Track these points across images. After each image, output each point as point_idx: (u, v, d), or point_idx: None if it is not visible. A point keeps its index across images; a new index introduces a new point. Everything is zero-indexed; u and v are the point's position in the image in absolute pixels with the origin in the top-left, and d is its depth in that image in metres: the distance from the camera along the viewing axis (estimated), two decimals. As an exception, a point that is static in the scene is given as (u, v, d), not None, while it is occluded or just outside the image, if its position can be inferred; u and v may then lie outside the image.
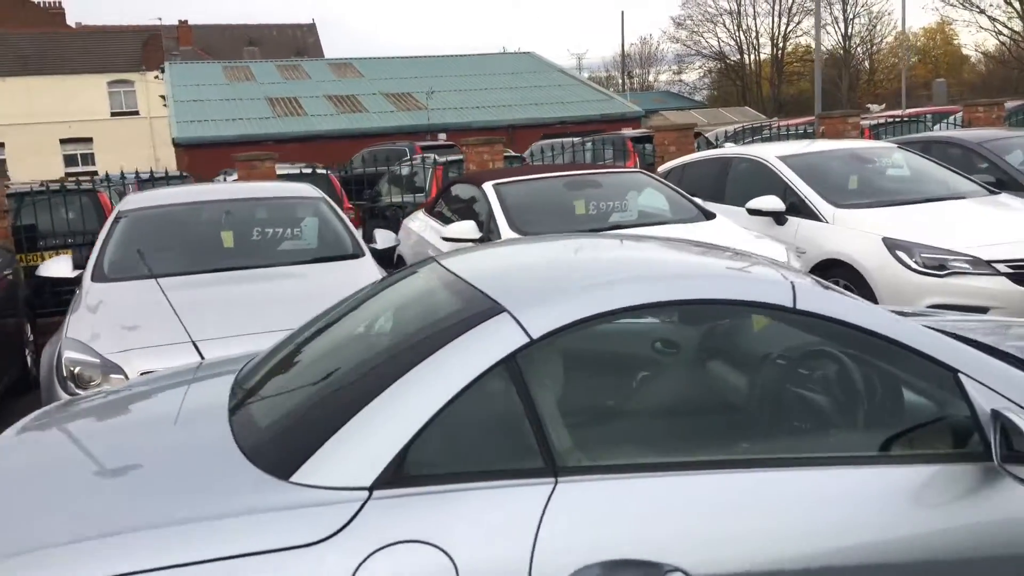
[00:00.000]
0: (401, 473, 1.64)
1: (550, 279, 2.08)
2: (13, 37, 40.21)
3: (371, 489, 1.61)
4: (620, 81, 54.93)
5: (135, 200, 5.35)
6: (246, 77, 29.94)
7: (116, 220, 5.10)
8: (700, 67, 51.51)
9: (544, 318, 1.80)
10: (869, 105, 30.18)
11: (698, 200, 6.36)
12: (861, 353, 1.94)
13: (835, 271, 5.74)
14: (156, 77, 36.30)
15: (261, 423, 1.88)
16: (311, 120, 26.34)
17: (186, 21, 52.43)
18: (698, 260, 2.31)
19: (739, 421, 1.97)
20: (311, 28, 63.98)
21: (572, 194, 6.01)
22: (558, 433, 1.73)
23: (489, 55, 34.13)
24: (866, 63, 48.40)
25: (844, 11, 45.46)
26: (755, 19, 50.32)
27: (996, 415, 1.76)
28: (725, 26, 48.89)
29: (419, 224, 7.14)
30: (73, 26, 48.82)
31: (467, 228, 5.64)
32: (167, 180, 11.37)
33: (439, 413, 1.66)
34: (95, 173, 31.89)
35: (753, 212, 6.39)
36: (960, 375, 1.86)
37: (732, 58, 49.58)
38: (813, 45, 48.19)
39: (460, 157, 10.00)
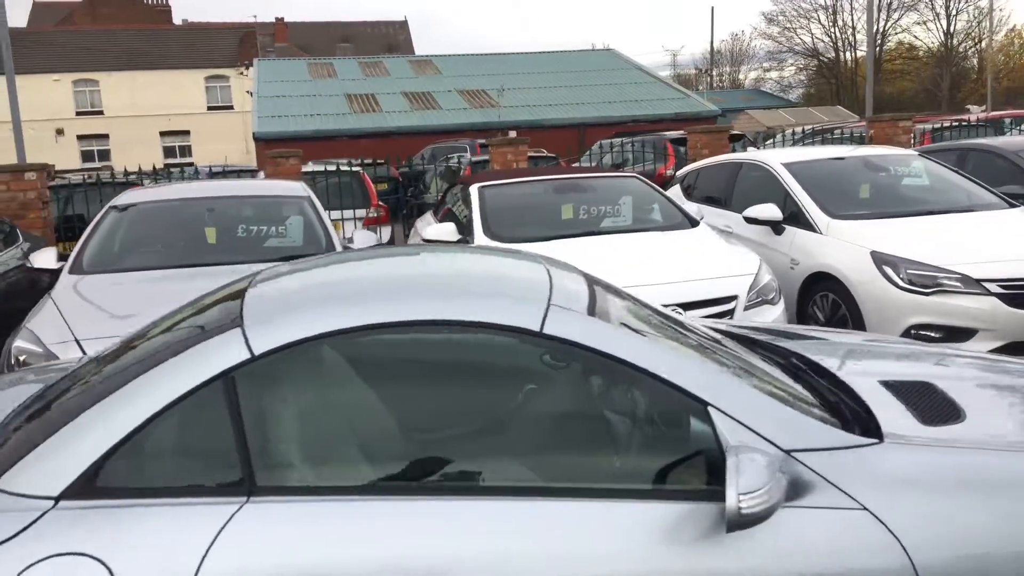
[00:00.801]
0: (92, 486, 1.67)
1: (303, 294, 2.08)
2: (121, 34, 42.53)
3: (57, 499, 1.66)
4: (708, 78, 53.83)
5: (128, 196, 5.61)
6: (328, 74, 30.77)
7: (105, 214, 5.37)
8: (792, 64, 49.93)
9: (269, 335, 1.81)
10: (969, 107, 28.62)
11: (692, 206, 6.22)
12: (613, 382, 1.88)
13: (825, 284, 5.52)
14: (241, 73, 37.74)
15: (3, 430, 1.96)
16: (385, 116, 26.87)
17: (282, 19, 54.21)
18: (471, 277, 2.18)
19: (466, 448, 1.92)
20: (403, 25, 65.16)
21: (559, 199, 5.97)
22: (262, 452, 1.74)
23: (568, 52, 34.02)
24: (973, 61, 45.92)
25: (947, 6, 43.20)
26: (852, 14, 48.31)
27: (733, 451, 1.69)
28: (820, 22, 47.22)
29: (422, 224, 7.22)
30: (179, 23, 51.30)
31: (446, 230, 5.68)
32: (238, 174, 11.83)
33: (143, 426, 1.70)
34: (191, 164, 33.55)
35: (750, 221, 6.20)
36: (710, 408, 1.77)
37: (827, 56, 47.85)
38: (913, 42, 46.11)
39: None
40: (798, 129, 16.04)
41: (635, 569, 1.66)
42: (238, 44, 41.95)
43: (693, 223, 5.73)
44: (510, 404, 2.02)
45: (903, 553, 1.70)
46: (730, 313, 4.59)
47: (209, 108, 42.40)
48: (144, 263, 4.97)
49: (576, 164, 14.10)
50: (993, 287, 4.82)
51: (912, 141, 10.53)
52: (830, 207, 5.85)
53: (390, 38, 63.85)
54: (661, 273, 4.71)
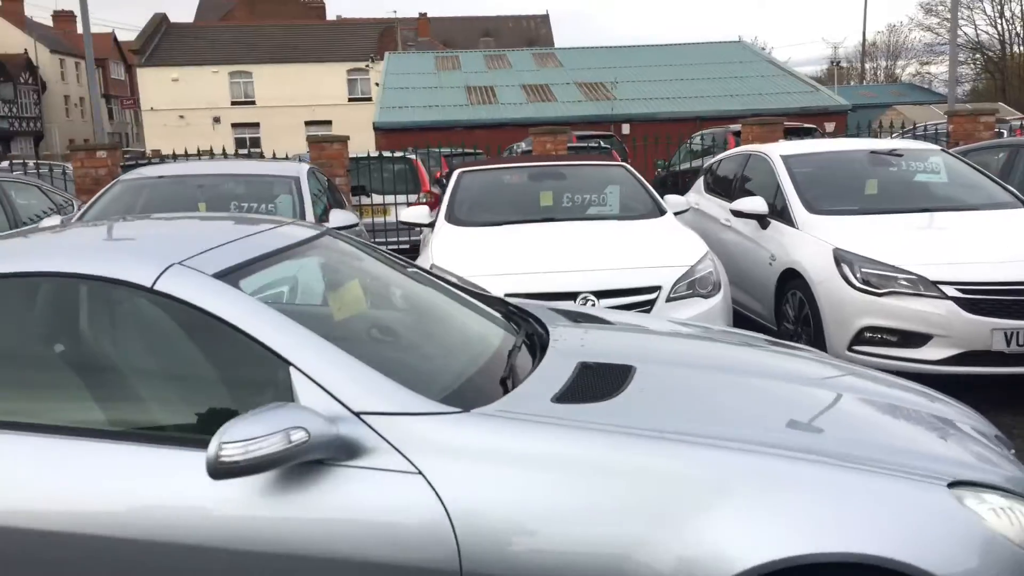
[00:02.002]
0: None
1: None
2: (273, 29, 45.38)
3: None
4: (859, 72, 50.96)
5: (134, 172, 6.17)
6: (453, 66, 31.58)
7: (110, 188, 5.93)
8: (945, 57, 46.32)
9: None
10: None
11: (677, 198, 6.12)
12: (214, 341, 1.96)
13: (794, 282, 5.30)
14: (366, 66, 39.34)
15: None
16: (501, 108, 27.31)
17: (425, 14, 55.91)
18: (143, 238, 2.33)
19: (52, 387, 2.05)
20: (544, 20, 65.62)
21: (537, 186, 6.02)
22: None
23: (695, 44, 33.25)
24: None
25: None
26: (1020, 4, 44.30)
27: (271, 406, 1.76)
28: (985, 13, 43.59)
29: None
30: (334, 19, 54.10)
31: (419, 213, 5.87)
32: (355, 161, 12.51)
33: None
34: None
35: (736, 214, 6.02)
36: (291, 367, 1.86)
37: (992, 50, 44.14)
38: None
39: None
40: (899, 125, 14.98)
41: (187, 513, 1.78)
42: (378, 39, 43.73)
43: (662, 212, 5.64)
44: (106, 351, 2.16)
45: (447, 519, 1.74)
46: (650, 304, 4.51)
47: (350, 99, 44.46)
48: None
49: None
50: (950, 290, 4.49)
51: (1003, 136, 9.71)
52: (814, 202, 5.58)
53: (531, 32, 64.48)
54: (588, 260, 4.70)
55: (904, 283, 4.59)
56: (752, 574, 1.69)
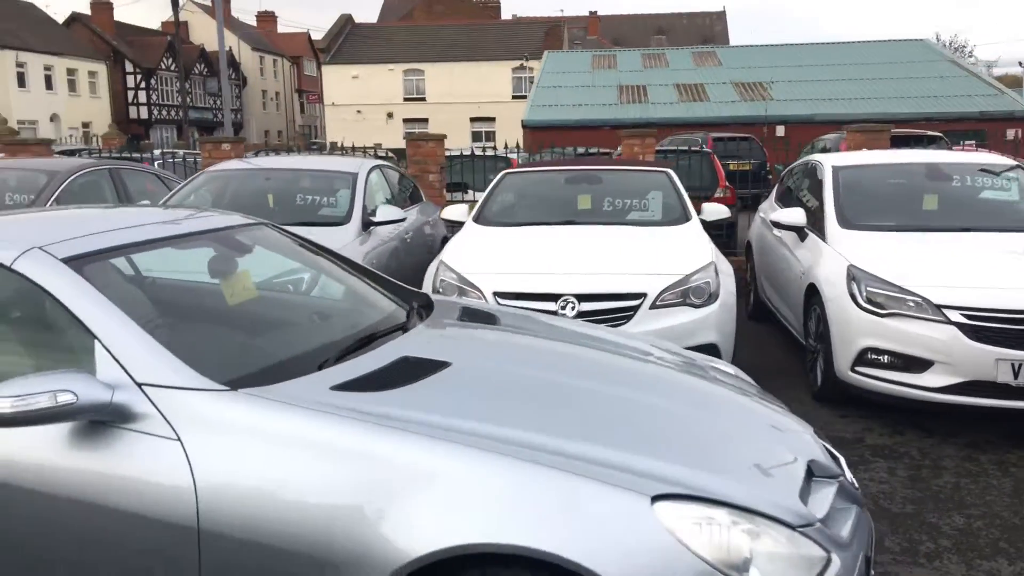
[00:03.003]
0: None
1: None
2: (446, 29, 47.19)
3: None
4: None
5: (219, 166, 6.85)
6: (609, 65, 31.59)
7: (195, 178, 6.64)
8: None
9: None
10: None
11: (716, 207, 6.03)
12: (50, 316, 2.27)
13: (815, 298, 5.11)
14: (521, 64, 39.95)
15: None
16: (650, 107, 27.06)
17: (595, 12, 56.02)
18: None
19: None
20: (720, 16, 63.88)
21: (574, 189, 6.12)
22: None
23: (872, 43, 31.29)
24: None
25: None
26: None
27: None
28: None
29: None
30: (510, 18, 55.46)
31: (459, 211, 6.13)
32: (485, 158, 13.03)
33: None
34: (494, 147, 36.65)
35: (775, 225, 5.85)
36: (96, 341, 2.18)
37: None
38: None
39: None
40: None
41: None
42: (544, 37, 44.35)
43: (687, 219, 5.59)
44: None
45: (192, 482, 2.00)
46: (633, 310, 4.55)
47: (513, 97, 45.44)
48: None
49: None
50: (954, 315, 4.21)
51: None
52: (851, 215, 5.34)
53: (705, 30, 62.99)
54: (579, 264, 4.79)
55: (908, 304, 4.35)
56: (428, 559, 1.84)
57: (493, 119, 45.21)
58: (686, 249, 5.03)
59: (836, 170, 5.81)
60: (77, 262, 2.33)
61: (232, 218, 3.12)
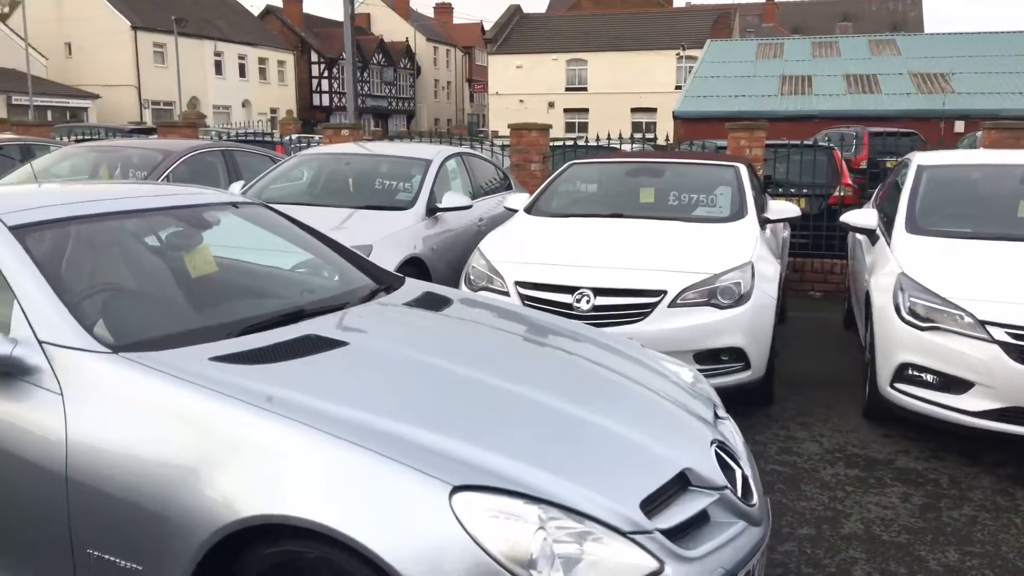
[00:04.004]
0: None
1: None
2: (611, 18, 46.84)
3: None
4: None
5: (310, 151, 7.24)
6: (775, 54, 30.18)
7: (288, 159, 7.05)
8: None
9: None
10: None
11: (785, 204, 5.71)
12: None
13: (870, 308, 4.73)
14: (678, 54, 38.82)
15: None
16: (813, 99, 25.64)
17: (772, -1, 53.63)
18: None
19: None
20: (914, 2, 59.25)
21: (635, 182, 5.97)
22: None
23: (1080, 30, 28.01)
24: None
25: None
26: None
27: None
28: None
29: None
30: (683, 6, 54.31)
31: (519, 200, 6.14)
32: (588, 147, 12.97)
33: None
34: (655, 138, 36.09)
35: (845, 226, 5.45)
36: (15, 302, 2.40)
37: None
38: None
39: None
40: None
41: None
42: (711, 26, 43.02)
43: (740, 217, 5.32)
44: None
45: (64, 431, 2.18)
46: (650, 307, 4.40)
47: (677, 87, 44.45)
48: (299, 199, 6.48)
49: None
50: (999, 333, 3.78)
51: None
52: (922, 219, 4.89)
53: (897, 15, 58.74)
54: (604, 258, 4.69)
55: (951, 319, 3.94)
56: (247, 523, 1.92)
57: (654, 110, 44.45)
58: (723, 248, 4.79)
59: (921, 169, 5.33)
60: (22, 230, 2.59)
61: (201, 196, 3.32)
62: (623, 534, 1.98)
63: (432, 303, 3.17)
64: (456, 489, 1.90)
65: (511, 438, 2.16)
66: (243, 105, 48.28)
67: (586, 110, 45.74)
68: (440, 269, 6.10)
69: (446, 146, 7.59)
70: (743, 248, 4.81)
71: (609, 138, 9.80)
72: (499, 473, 1.98)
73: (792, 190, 9.13)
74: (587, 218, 5.44)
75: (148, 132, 17.37)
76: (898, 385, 4.18)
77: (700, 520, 2.21)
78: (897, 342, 4.16)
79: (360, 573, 1.86)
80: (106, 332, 2.40)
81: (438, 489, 1.89)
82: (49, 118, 30.50)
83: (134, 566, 2.10)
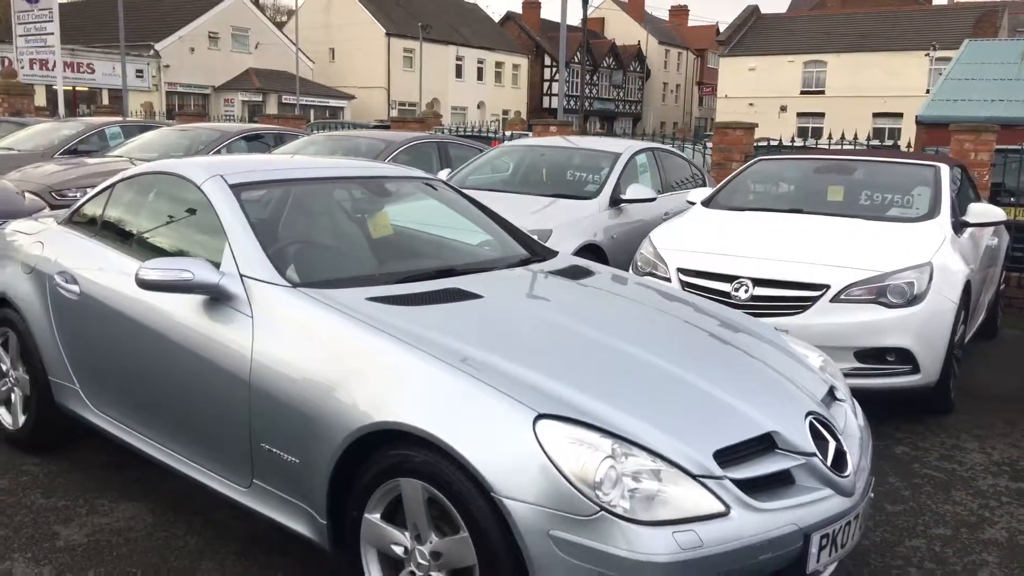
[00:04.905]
0: None
1: None
2: (855, 17, 44.10)
3: None
4: None
5: (509, 143, 7.74)
6: (1046, 55, 26.98)
7: (487, 151, 7.61)
8: None
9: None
10: None
11: (985, 207, 5.37)
12: (210, 220, 3.11)
13: None
14: (926, 55, 35.51)
15: None
16: (1088, 105, 22.63)
17: (1053, -7, 47.67)
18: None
19: None
20: None
21: (824, 179, 5.85)
22: None
23: None
24: None
25: None
26: None
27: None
28: None
29: None
30: (943, 3, 49.94)
31: (699, 194, 6.22)
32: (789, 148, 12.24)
33: None
34: (897, 146, 33.66)
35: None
36: (227, 243, 2.97)
37: None
38: None
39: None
40: None
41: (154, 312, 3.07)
42: (973, 25, 39.18)
43: (932, 217, 5.07)
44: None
45: (251, 344, 2.72)
46: (811, 300, 4.36)
47: (928, 91, 40.98)
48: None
49: None
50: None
51: None
52: None
53: None
54: (769, 250, 4.69)
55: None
56: (374, 428, 2.34)
57: (900, 115, 41.24)
58: (902, 247, 4.63)
59: None
60: (238, 188, 3.21)
61: (385, 170, 3.84)
62: (692, 476, 2.16)
63: (573, 273, 3.45)
64: (540, 416, 2.18)
65: (603, 383, 2.41)
66: (478, 107, 50.93)
67: (822, 114, 43.39)
68: (619, 258, 6.33)
69: (638, 141, 7.79)
70: (924, 249, 4.62)
71: (822, 138, 9.44)
72: (582, 408, 2.24)
73: None
74: (764, 212, 5.44)
75: (387, 127, 19.11)
76: None
77: (783, 480, 2.34)
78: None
79: (454, 476, 2.20)
80: (293, 273, 2.93)
81: (526, 414, 2.19)
82: (312, 117, 34.20)
83: (293, 459, 2.59)
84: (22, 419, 3.77)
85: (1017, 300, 7.85)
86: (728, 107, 45.82)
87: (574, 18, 41.93)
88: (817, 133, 41.99)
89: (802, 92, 44.53)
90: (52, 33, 18.01)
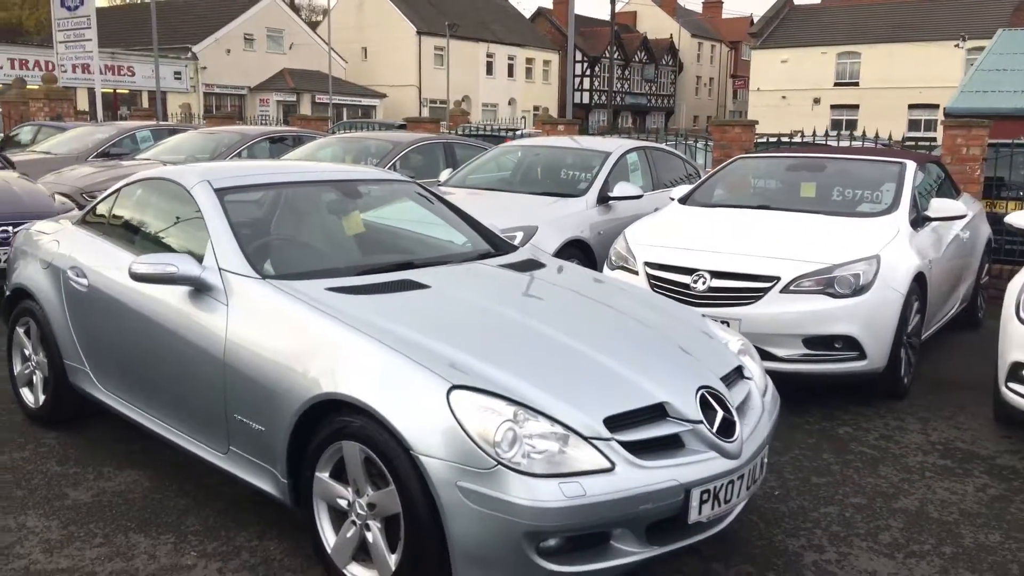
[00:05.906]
0: None
1: None
2: (894, 7, 43.51)
3: None
4: None
5: (508, 144, 8.09)
6: (1081, 43, 26.54)
7: (490, 149, 8.00)
8: None
9: None
10: None
11: (946, 203, 5.61)
12: (194, 220, 3.53)
13: None
14: (957, 45, 34.97)
15: None
16: (1120, 94, 22.29)
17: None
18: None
19: None
20: None
21: (796, 176, 6.13)
22: None
23: None
24: None
25: None
26: None
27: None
28: None
29: None
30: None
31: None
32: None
33: None
34: (933, 139, 33.31)
35: (1008, 228, 5.27)
36: (209, 240, 3.40)
37: None
38: None
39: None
40: None
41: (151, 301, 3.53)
42: (1012, 13, 38.52)
43: (889, 213, 5.34)
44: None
45: (225, 330, 3.14)
46: (762, 292, 4.67)
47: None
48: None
49: None
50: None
51: None
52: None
53: None
54: (725, 244, 5.00)
55: None
56: (323, 398, 2.74)
57: (936, 106, 40.65)
58: (852, 241, 4.91)
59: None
60: (222, 191, 3.64)
61: (359, 173, 4.25)
62: (583, 437, 2.53)
63: (523, 267, 3.82)
64: (454, 387, 2.56)
65: (515, 358, 2.78)
66: (509, 103, 51.28)
67: (856, 107, 43.01)
68: (605, 253, 6.67)
69: (630, 140, 8.11)
70: (874, 242, 4.90)
71: (827, 134, 9.70)
72: (492, 380, 2.61)
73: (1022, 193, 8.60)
74: (733, 209, 5.75)
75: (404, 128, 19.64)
76: (1011, 385, 4.14)
77: (673, 443, 2.69)
78: (1011, 342, 4.12)
79: (383, 438, 2.59)
80: (269, 266, 3.35)
81: (442, 385, 2.57)
82: (344, 116, 34.89)
83: (260, 427, 3.01)
84: (42, 398, 4.25)
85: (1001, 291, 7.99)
86: (760, 100, 45.62)
87: (604, 12, 42.04)
88: (852, 126, 41.73)
89: (836, 84, 44.17)
90: (90, 39, 18.80)
